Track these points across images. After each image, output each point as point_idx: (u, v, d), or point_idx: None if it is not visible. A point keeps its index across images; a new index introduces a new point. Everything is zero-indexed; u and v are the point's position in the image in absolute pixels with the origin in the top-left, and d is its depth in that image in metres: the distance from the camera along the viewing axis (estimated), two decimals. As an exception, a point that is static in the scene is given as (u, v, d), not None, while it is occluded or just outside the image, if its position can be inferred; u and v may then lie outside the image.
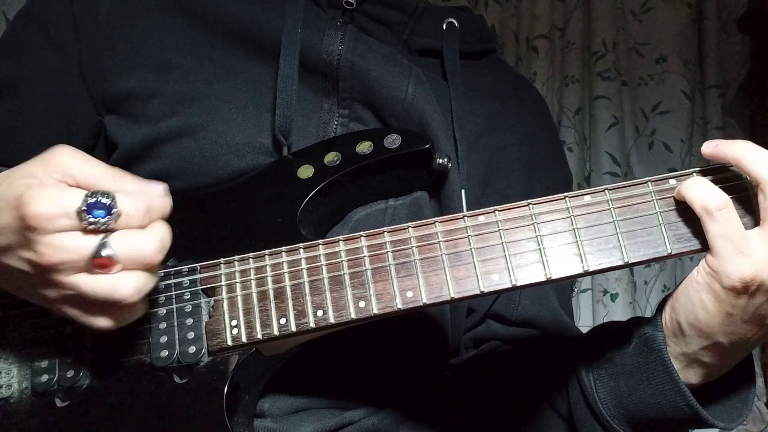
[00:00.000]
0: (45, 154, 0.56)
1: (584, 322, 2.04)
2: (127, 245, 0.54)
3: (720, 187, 0.59)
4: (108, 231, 0.53)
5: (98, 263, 0.53)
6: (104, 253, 0.53)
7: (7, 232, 0.54)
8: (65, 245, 0.52)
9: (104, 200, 0.53)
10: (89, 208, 0.52)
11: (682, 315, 0.61)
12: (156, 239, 0.56)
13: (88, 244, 0.53)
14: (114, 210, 0.53)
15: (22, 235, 0.53)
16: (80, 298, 0.54)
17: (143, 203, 0.56)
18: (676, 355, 0.64)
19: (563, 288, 0.92)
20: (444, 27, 0.88)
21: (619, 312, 1.96)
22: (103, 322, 0.56)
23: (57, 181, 0.55)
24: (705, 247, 0.59)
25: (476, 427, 0.83)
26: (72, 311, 0.56)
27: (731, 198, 0.59)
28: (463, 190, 0.77)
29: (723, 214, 0.57)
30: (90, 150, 0.81)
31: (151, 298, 0.64)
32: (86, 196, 0.53)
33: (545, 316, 0.86)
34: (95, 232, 0.53)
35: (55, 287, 0.54)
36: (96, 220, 0.52)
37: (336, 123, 0.77)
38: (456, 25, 0.88)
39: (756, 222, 0.59)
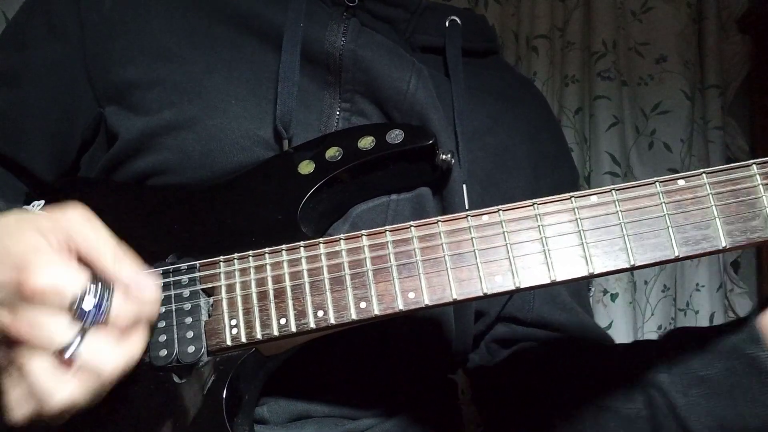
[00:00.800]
0: (57, 212, 0.56)
1: (583, 322, 2.03)
2: (93, 354, 0.52)
3: (729, 190, 0.58)
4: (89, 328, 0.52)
5: (60, 356, 0.51)
6: (70, 350, 0.51)
7: None
8: (44, 325, 0.51)
9: (99, 299, 0.52)
10: (82, 303, 0.52)
11: None
12: (123, 360, 0.54)
13: (64, 333, 0.51)
14: (104, 309, 0.52)
15: (10, 294, 0.51)
16: (21, 378, 0.52)
17: (134, 310, 0.55)
18: None
19: (578, 286, 0.90)
20: (447, 24, 0.87)
21: (619, 312, 1.95)
22: (19, 413, 0.53)
23: (59, 245, 0.54)
24: (712, 251, 0.58)
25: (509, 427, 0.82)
26: (6, 384, 0.53)
27: (739, 201, 0.58)
28: (464, 185, 0.76)
29: None
30: (89, 143, 0.81)
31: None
32: (86, 288, 0.52)
33: (561, 316, 0.85)
34: (79, 321, 0.52)
35: (8, 355, 0.52)
36: (81, 318, 0.52)
37: (338, 116, 0.77)
38: (459, 22, 0.88)
39: (766, 226, 0.58)
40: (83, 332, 0.52)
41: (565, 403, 0.78)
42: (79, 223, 0.55)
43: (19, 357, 0.52)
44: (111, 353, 0.53)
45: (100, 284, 0.53)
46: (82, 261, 0.55)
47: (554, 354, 0.84)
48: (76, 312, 0.52)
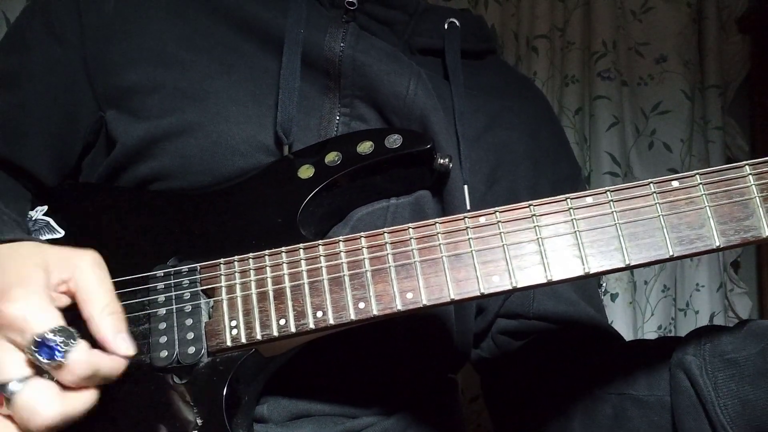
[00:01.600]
0: (74, 251, 0.57)
1: (584, 322, 2.03)
2: (28, 400, 0.51)
3: (723, 191, 0.59)
4: (42, 370, 0.52)
5: None
6: (8, 389, 0.51)
7: None
8: None
9: (60, 344, 0.52)
10: (42, 343, 0.51)
11: None
12: (59, 414, 0.53)
13: (11, 368, 0.52)
14: (58, 356, 0.52)
15: None
16: None
17: (91, 366, 0.54)
18: None
19: (584, 281, 0.90)
20: (446, 26, 0.88)
21: (619, 312, 1.95)
22: None
23: (58, 283, 0.55)
24: (706, 250, 0.59)
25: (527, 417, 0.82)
26: None
27: (732, 201, 0.59)
28: (465, 186, 0.77)
29: None
30: (91, 146, 0.81)
31: (151, 298, 0.64)
32: (51, 330, 0.52)
33: (562, 308, 0.85)
34: (32, 360, 0.52)
35: None
36: (35, 356, 0.51)
37: (337, 121, 0.77)
38: (457, 24, 0.88)
39: (759, 225, 0.58)
40: (32, 373, 0.52)
41: (580, 393, 0.78)
42: (86, 267, 0.56)
43: None
44: (49, 404, 0.52)
45: (69, 332, 0.53)
46: (76, 305, 0.55)
47: (567, 344, 0.84)
48: (31, 351, 0.51)
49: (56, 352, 0.52)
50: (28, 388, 0.51)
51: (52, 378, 0.53)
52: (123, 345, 0.56)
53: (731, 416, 0.64)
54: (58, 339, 0.52)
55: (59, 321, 0.53)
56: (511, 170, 0.87)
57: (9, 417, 0.52)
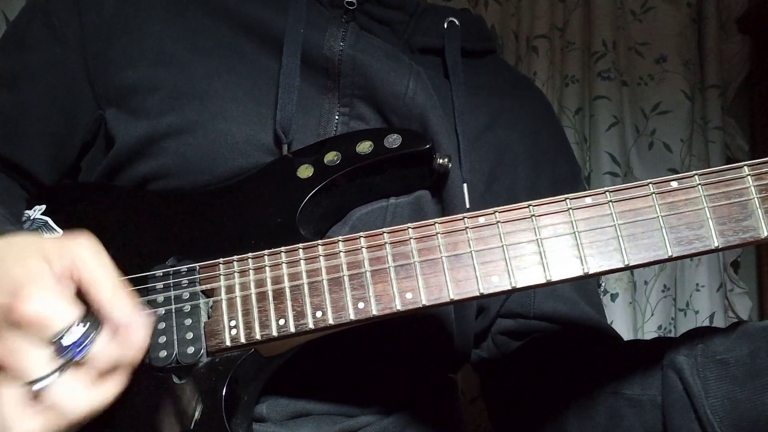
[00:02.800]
0: (68, 238, 0.56)
1: (584, 322, 2.03)
2: (60, 395, 0.52)
3: (722, 192, 0.59)
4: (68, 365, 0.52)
5: (30, 389, 0.51)
6: (40, 385, 0.51)
7: None
8: (22, 354, 0.51)
9: (81, 340, 0.52)
10: (63, 341, 0.51)
11: None
12: (93, 404, 0.53)
13: (40, 366, 0.51)
14: (85, 349, 0.52)
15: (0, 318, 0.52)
16: None
17: (115, 357, 0.54)
18: None
19: (583, 282, 0.90)
20: (445, 26, 0.88)
21: (619, 312, 1.96)
22: None
23: (62, 273, 0.54)
24: (705, 251, 0.59)
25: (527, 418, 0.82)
26: None
27: (731, 202, 0.59)
28: (465, 185, 0.77)
29: None
30: (90, 145, 0.81)
31: (150, 298, 0.64)
32: (77, 320, 0.52)
33: (563, 308, 0.85)
34: (58, 356, 0.52)
35: None
36: (64, 351, 0.51)
37: (336, 120, 0.77)
38: (457, 23, 0.88)
39: (758, 226, 0.58)
40: (60, 369, 0.52)
41: (576, 393, 0.78)
42: (86, 253, 0.56)
43: None
44: (81, 395, 0.52)
45: (89, 322, 0.53)
46: (82, 292, 0.55)
47: (566, 345, 0.84)
48: (57, 347, 0.51)
49: (80, 347, 0.52)
50: (57, 385, 0.51)
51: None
52: (140, 324, 0.56)
53: (720, 416, 0.64)
54: (81, 333, 0.52)
55: (76, 315, 0.53)
56: (511, 170, 0.87)
57: (40, 412, 0.52)
